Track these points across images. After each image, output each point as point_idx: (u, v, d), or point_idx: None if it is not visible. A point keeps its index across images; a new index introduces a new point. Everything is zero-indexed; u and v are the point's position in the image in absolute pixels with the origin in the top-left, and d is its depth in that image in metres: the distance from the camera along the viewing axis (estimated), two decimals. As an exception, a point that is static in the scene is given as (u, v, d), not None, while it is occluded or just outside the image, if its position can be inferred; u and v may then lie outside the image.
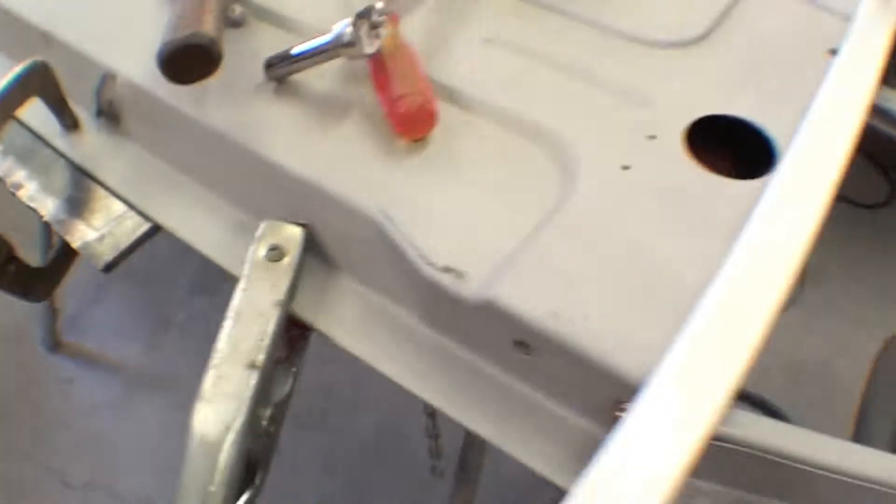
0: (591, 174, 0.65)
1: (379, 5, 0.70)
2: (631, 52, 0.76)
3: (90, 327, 2.16)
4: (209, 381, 0.59)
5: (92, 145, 0.79)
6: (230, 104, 0.72)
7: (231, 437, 0.57)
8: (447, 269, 0.60)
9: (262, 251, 0.66)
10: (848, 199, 2.42)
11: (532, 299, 0.57)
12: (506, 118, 0.70)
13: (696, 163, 0.68)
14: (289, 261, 0.65)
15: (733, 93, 0.73)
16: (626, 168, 0.66)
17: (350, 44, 0.68)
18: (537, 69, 0.74)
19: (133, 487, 2.00)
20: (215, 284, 2.56)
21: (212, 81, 0.68)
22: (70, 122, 0.78)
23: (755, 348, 0.52)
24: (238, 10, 0.79)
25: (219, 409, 0.58)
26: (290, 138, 0.69)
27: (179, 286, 2.17)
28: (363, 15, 0.69)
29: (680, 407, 0.48)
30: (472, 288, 0.59)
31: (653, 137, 0.69)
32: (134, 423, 2.06)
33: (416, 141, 0.68)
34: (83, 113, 0.79)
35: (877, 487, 0.56)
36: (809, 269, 2.45)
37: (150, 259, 1.95)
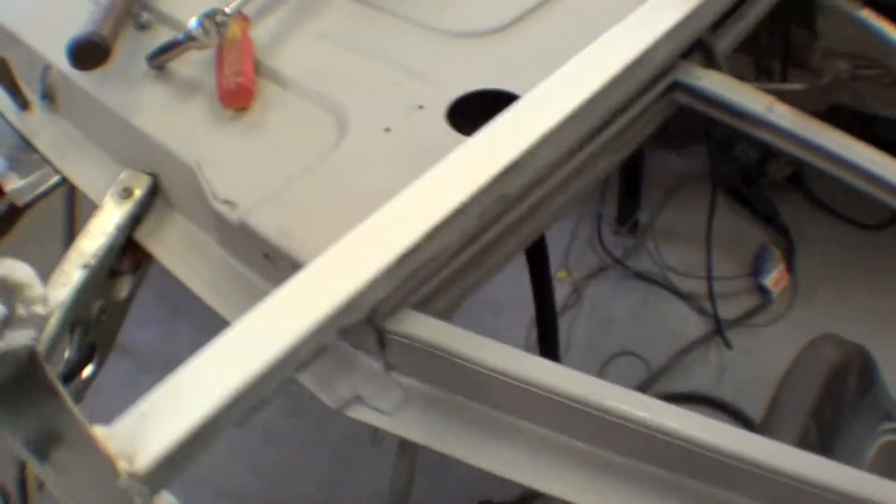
0: (357, 134, 0.84)
1: (227, 8, 0.92)
2: (435, 42, 0.94)
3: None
4: (54, 276, 0.81)
5: (36, 120, 1.04)
6: (120, 86, 0.95)
7: (58, 313, 0.79)
8: (226, 202, 0.80)
9: (116, 190, 0.88)
10: (850, 220, 2.42)
11: (272, 223, 0.76)
12: (311, 94, 0.89)
13: (452, 128, 0.84)
14: (134, 198, 0.87)
15: (508, 73, 0.89)
16: (387, 130, 0.84)
17: (194, 38, 0.90)
18: (349, 57, 0.93)
19: None
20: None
21: (112, 69, 0.91)
22: (23, 103, 1.04)
23: (395, 255, 0.68)
24: (146, 16, 1.02)
25: (55, 293, 0.80)
26: (152, 111, 0.91)
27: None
28: (208, 15, 0.90)
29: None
30: (236, 215, 0.78)
31: (421, 107, 0.86)
32: None
33: (238, 111, 0.89)
34: (33, 96, 1.05)
35: (541, 392, 0.69)
36: (801, 285, 2.53)
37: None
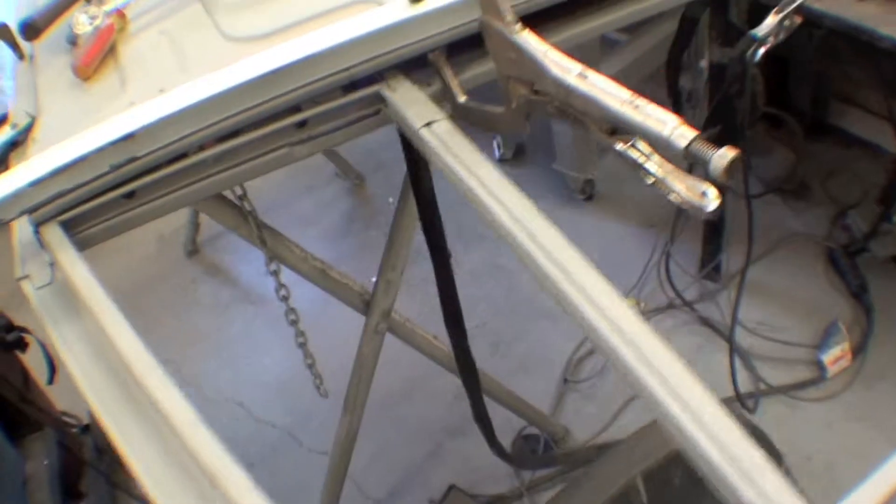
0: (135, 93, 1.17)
1: (104, 7, 1.31)
2: (222, 42, 1.24)
3: (224, 246, 3.07)
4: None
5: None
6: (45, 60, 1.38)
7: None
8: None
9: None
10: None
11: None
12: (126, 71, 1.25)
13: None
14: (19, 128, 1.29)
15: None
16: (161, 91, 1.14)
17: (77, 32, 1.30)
18: (164, 45, 1.27)
19: (210, 381, 2.80)
20: (317, 217, 3.30)
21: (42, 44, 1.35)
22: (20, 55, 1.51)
23: None
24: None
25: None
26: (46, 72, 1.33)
27: (290, 221, 2.91)
28: (85, 11, 1.30)
29: None
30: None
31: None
32: (227, 326, 2.82)
33: (85, 80, 1.27)
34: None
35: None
36: (865, 371, 2.48)
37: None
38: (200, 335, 2.95)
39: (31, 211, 1.03)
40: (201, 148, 1.10)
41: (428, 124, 1.04)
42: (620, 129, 0.85)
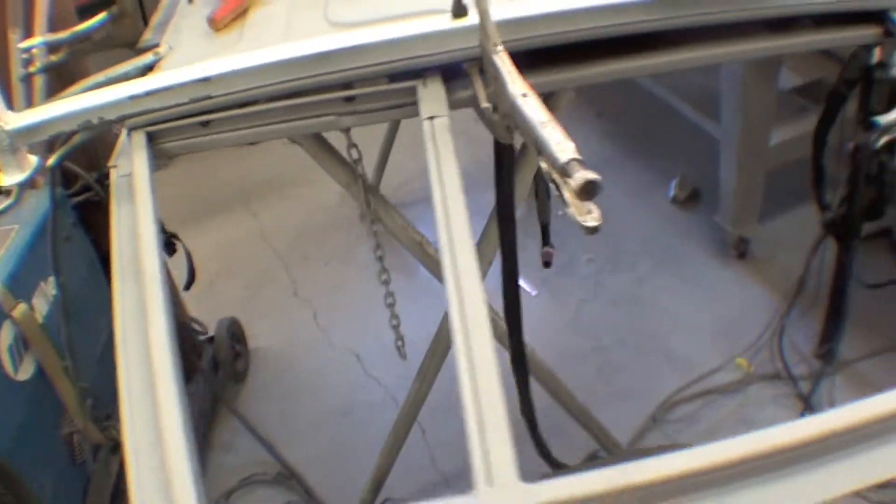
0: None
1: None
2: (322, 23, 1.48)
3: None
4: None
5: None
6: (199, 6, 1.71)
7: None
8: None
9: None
10: None
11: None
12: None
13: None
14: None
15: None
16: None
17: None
18: (281, 17, 1.53)
19: (338, 330, 3.08)
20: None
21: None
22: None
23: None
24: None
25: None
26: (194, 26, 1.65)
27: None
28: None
29: None
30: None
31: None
32: (369, 286, 3.04)
33: (216, 31, 1.57)
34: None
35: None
36: None
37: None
38: (344, 287, 3.33)
39: (127, 118, 1.33)
40: (271, 100, 1.36)
41: (431, 118, 1.22)
42: (539, 148, 0.99)
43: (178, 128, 1.35)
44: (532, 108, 0.97)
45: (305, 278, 3.46)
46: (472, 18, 1.26)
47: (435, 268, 1.98)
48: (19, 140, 1.23)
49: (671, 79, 3.80)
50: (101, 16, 1.62)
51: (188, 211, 3.68)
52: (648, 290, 3.12)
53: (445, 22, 1.26)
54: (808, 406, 2.54)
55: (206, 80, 1.29)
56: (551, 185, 0.97)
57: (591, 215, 0.91)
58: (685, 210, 3.44)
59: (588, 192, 0.86)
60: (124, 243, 1.17)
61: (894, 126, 1.59)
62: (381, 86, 1.33)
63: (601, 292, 3.15)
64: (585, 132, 4.07)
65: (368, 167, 3.70)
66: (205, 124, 1.36)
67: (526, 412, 2.03)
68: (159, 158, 1.35)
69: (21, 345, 1.88)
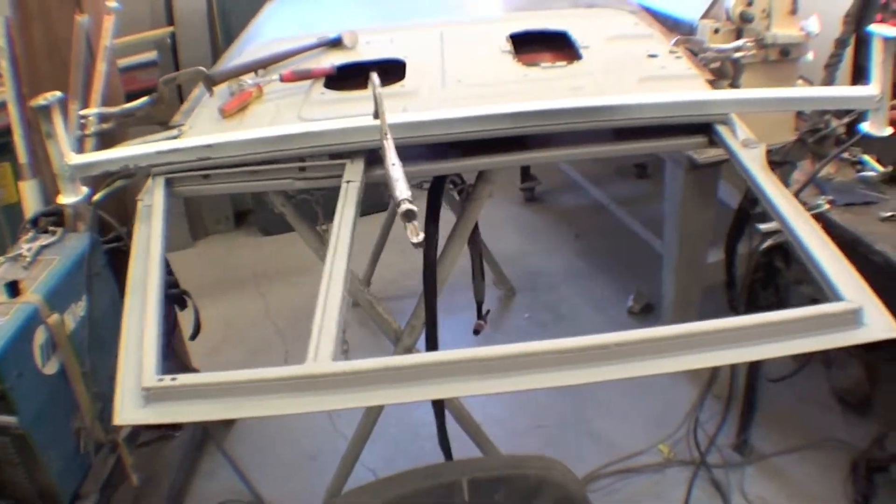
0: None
1: (248, 80, 2.23)
2: (295, 118, 2.08)
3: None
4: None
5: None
6: (216, 98, 2.34)
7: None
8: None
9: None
10: None
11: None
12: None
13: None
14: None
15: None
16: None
17: (233, 92, 2.23)
18: (271, 112, 2.14)
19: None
20: (458, 309, 3.91)
21: (220, 89, 2.33)
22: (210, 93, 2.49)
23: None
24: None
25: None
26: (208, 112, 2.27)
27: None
28: (239, 84, 2.23)
29: None
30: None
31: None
32: None
33: (224, 118, 2.18)
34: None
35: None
36: None
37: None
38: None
39: (153, 166, 1.92)
40: (252, 164, 1.94)
41: (348, 182, 1.80)
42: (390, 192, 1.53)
43: (188, 177, 1.96)
44: (396, 171, 1.52)
45: (297, 348, 4.00)
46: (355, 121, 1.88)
47: (384, 324, 2.55)
48: (77, 173, 1.83)
49: (634, 203, 4.42)
50: (144, 99, 2.23)
51: (206, 285, 4.29)
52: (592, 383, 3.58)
53: (368, 121, 1.84)
54: (721, 493, 2.92)
55: (208, 146, 1.89)
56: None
57: (416, 236, 1.43)
58: (638, 321, 3.91)
59: (408, 216, 1.40)
60: (139, 256, 1.70)
61: (775, 232, 1.74)
62: (323, 161, 1.92)
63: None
64: (564, 251, 4.73)
65: (362, 263, 4.36)
66: (206, 176, 1.95)
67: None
68: (172, 197, 1.93)
69: (50, 346, 2.22)
